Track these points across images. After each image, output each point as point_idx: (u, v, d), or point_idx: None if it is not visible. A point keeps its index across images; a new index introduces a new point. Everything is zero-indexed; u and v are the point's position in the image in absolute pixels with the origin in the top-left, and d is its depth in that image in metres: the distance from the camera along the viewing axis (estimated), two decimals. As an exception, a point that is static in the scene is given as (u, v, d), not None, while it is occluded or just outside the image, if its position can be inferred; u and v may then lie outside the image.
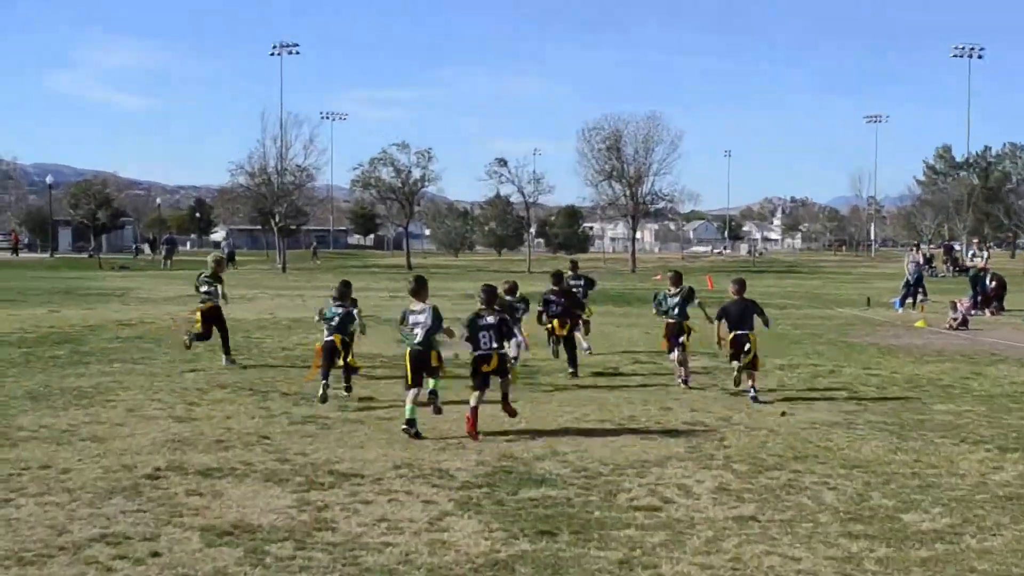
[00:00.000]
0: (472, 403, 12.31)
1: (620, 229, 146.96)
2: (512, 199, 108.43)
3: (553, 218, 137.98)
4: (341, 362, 15.23)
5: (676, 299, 16.94)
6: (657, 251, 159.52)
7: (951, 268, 71.10)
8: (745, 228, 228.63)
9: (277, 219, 78.27)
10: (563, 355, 18.13)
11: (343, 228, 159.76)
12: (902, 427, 13.20)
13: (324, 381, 14.65)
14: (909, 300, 36.11)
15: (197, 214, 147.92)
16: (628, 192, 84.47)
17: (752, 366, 15.46)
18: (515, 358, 15.07)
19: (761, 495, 9.66)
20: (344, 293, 15.89)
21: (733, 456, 11.31)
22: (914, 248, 44.97)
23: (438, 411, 13.16)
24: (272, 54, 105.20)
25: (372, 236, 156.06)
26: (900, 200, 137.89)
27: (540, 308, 18.74)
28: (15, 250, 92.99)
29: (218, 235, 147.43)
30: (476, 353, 12.71)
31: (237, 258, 74.74)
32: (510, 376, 13.15)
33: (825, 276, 70.45)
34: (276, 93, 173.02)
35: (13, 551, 7.62)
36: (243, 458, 10.85)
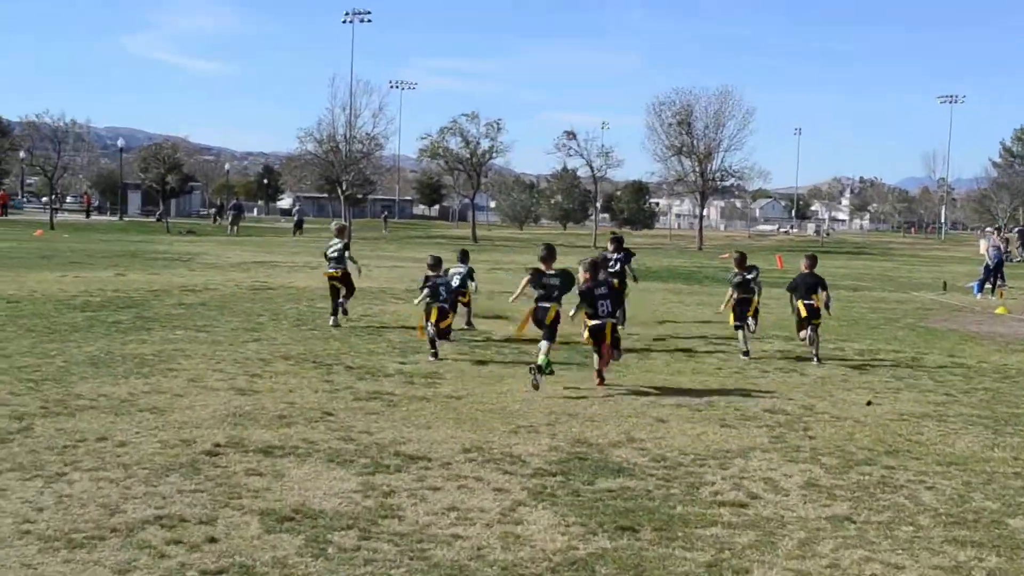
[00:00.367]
0: (596, 366, 13.88)
1: (686, 206, 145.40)
2: (580, 172, 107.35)
3: (619, 193, 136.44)
4: (441, 325, 16.15)
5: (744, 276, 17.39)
6: (723, 228, 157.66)
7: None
8: (812, 208, 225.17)
9: (344, 187, 77.93)
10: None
11: (408, 198, 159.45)
12: (996, 421, 12.48)
13: (433, 351, 15.77)
14: (988, 285, 35.03)
15: (265, 180, 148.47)
16: (698, 168, 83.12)
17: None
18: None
19: (854, 493, 9.02)
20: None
21: (820, 448, 10.67)
22: (995, 232, 43.69)
23: (536, 386, 13.18)
24: (344, 22, 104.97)
25: (437, 207, 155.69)
26: (975, 183, 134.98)
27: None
28: (87, 212, 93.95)
29: (284, 202, 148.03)
30: (594, 322, 13.62)
31: (304, 226, 74.47)
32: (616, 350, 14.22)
33: (896, 258, 68.89)
34: (346, 61, 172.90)
35: (63, 531, 7.21)
36: (305, 435, 10.39)
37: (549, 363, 13.41)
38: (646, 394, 13.44)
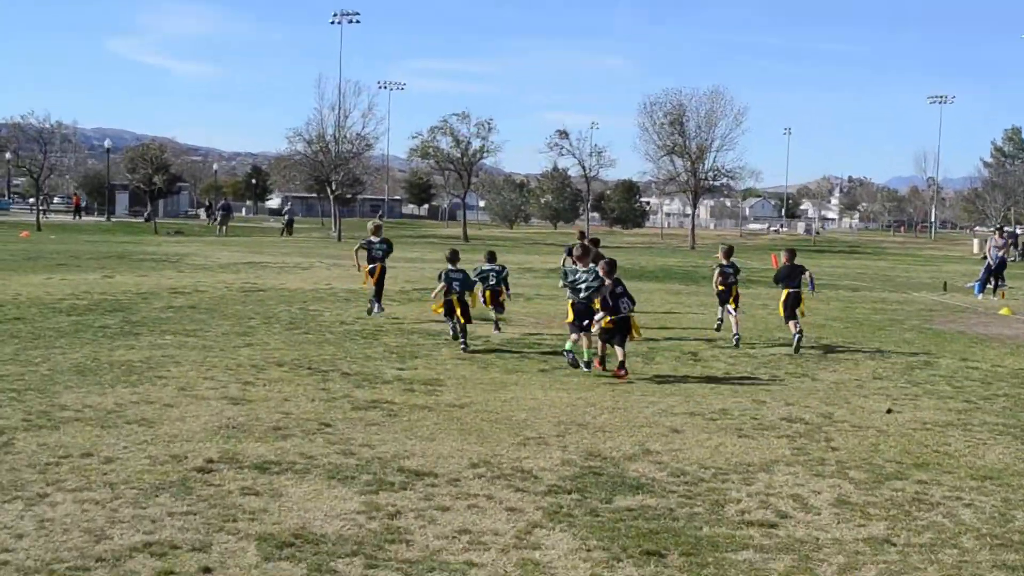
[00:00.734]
0: (599, 353, 15.04)
1: (675, 205, 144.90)
2: (571, 172, 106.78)
3: (609, 192, 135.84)
4: (462, 319, 16.82)
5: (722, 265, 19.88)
6: (713, 228, 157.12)
7: (1019, 253, 68.91)
8: (802, 207, 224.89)
9: (334, 187, 77.18)
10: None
11: (397, 198, 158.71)
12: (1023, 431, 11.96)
13: (463, 341, 16.63)
14: (989, 286, 34.56)
15: (253, 181, 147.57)
16: (689, 167, 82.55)
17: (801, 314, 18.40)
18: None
19: (889, 511, 8.48)
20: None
21: (846, 461, 10.14)
22: (996, 232, 43.23)
23: (575, 364, 14.65)
24: (332, 22, 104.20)
25: (426, 206, 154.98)
26: (966, 182, 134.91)
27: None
28: (77, 212, 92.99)
29: (273, 202, 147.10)
30: (617, 316, 14.72)
31: (295, 226, 73.78)
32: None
33: (891, 257, 68.49)
34: (334, 62, 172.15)
35: (44, 561, 6.63)
36: (303, 449, 9.81)
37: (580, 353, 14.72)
38: (656, 401, 12.88)
